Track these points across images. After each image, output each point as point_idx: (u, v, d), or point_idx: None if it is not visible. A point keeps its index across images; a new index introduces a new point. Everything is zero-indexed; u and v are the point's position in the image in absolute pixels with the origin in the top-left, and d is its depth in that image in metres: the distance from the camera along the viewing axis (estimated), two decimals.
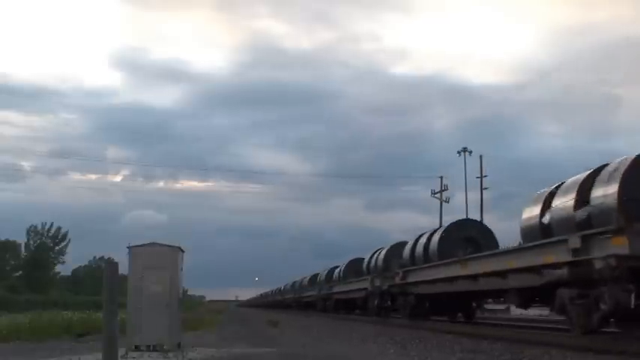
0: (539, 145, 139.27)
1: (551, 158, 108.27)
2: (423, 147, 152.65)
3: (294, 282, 61.78)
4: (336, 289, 38.24)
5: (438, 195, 56.53)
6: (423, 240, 21.64)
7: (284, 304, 65.51)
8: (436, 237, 20.60)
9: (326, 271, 43.88)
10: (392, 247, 27.32)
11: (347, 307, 36.06)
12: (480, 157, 53.55)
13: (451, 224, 21.56)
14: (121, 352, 10.31)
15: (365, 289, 28.01)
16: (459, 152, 55.07)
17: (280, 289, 76.32)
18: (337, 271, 39.88)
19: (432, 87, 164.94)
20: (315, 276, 49.15)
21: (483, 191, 52.29)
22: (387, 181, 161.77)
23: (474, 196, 53.19)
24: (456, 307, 21.61)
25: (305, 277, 55.05)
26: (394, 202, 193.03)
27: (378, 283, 25.78)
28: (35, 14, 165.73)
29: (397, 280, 22.62)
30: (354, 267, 35.17)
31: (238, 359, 11.37)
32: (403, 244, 25.43)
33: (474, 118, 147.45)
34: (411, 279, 21.47)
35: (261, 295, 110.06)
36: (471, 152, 54.55)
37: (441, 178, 56.70)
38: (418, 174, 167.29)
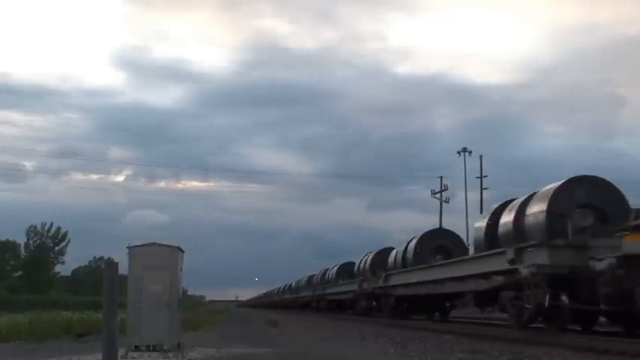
0: (541, 145, 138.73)
1: (553, 158, 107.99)
2: (426, 147, 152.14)
3: (312, 276, 49.19)
4: (396, 281, 24.87)
5: (438, 195, 56.66)
6: None
7: (296, 305, 55.51)
8: None
9: (371, 257, 30.11)
10: (565, 186, 14.05)
11: (420, 309, 24.81)
12: (480, 157, 53.60)
13: None
14: (121, 352, 10.31)
15: (500, 273, 14.83)
16: (458, 152, 55.26)
17: (291, 286, 63.44)
18: (396, 253, 26.07)
19: (436, 86, 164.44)
20: (349, 265, 35.74)
21: (484, 191, 52.43)
22: (390, 181, 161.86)
23: (475, 196, 53.29)
24: None
25: (330, 269, 41.42)
26: (397, 202, 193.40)
27: (542, 259, 12.97)
28: (36, 13, 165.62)
29: None
30: (432, 243, 23.61)
31: (238, 359, 11.38)
32: (594, 181, 14.12)
33: (477, 118, 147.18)
34: None
35: (265, 294, 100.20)
36: (470, 152, 54.73)
37: (441, 178, 56.84)
38: (421, 174, 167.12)
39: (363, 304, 30.07)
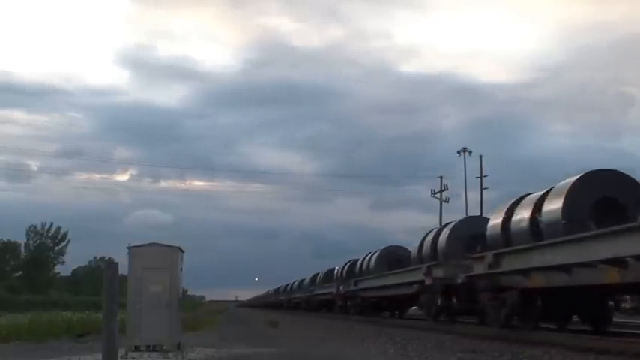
0: (547, 145, 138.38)
1: (558, 157, 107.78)
2: (431, 146, 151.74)
3: (369, 255, 30.73)
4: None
5: (438, 195, 56.68)
6: None
7: (323, 305, 41.73)
8: None
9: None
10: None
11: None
12: (480, 157, 53.62)
13: None
14: (121, 352, 10.31)
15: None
16: (458, 152, 55.28)
17: (328, 273, 42.03)
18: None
19: (441, 85, 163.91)
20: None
21: (484, 191, 52.46)
22: (394, 181, 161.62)
23: (477, 196, 53.29)
24: None
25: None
26: (399, 202, 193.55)
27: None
28: (40, 11, 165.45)
29: None
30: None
31: (238, 359, 11.39)
32: None
33: (482, 117, 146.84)
34: None
35: (275, 290, 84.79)
36: (470, 152, 54.75)
37: (441, 178, 56.86)
38: (425, 173, 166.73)
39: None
